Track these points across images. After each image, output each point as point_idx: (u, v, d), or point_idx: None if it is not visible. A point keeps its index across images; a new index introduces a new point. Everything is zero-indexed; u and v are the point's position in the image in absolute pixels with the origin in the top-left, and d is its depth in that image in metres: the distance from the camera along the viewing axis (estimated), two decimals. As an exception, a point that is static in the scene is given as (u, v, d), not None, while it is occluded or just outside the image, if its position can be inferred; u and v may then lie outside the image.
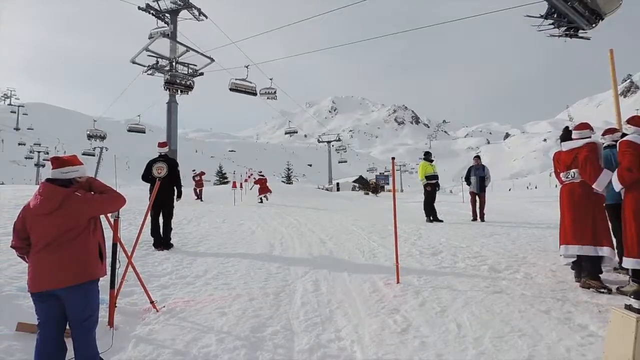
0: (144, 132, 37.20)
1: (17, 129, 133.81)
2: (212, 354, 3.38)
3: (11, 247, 2.94)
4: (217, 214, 13.05)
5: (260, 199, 20.11)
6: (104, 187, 3.08)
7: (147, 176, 7.70)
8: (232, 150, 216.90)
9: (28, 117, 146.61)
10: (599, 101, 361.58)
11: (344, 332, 3.72)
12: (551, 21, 11.94)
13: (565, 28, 12.18)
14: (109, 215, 3.78)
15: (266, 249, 7.49)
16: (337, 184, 71.00)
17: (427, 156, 11.93)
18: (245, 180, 27.15)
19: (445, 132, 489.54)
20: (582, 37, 12.29)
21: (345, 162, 75.05)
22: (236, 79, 25.69)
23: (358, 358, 3.25)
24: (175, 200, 7.83)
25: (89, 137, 54.81)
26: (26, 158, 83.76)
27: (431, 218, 11.31)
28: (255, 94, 26.01)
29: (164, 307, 4.45)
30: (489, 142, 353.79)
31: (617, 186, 4.33)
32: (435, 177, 11.62)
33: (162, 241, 7.47)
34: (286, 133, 41.56)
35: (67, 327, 2.86)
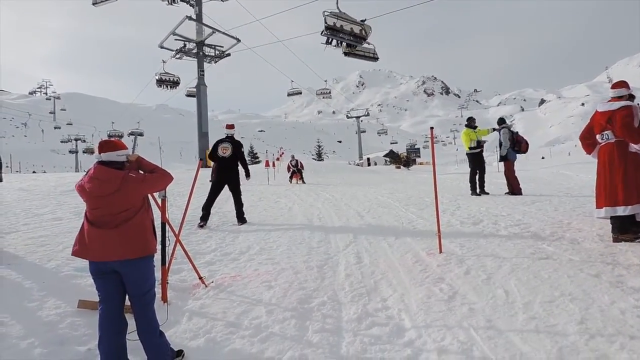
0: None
1: (51, 112, 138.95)
2: (263, 325, 3.49)
3: None
4: (252, 192, 13.23)
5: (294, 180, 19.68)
6: (152, 166, 3.19)
7: (214, 155, 8.11)
8: (261, 130, 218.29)
9: (64, 104, 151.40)
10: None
11: (390, 301, 3.77)
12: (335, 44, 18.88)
13: (346, 46, 19.17)
14: (156, 195, 3.91)
15: (305, 225, 7.58)
16: (368, 159, 70.70)
17: (470, 122, 10.93)
18: (277, 159, 27.32)
19: (476, 101, 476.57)
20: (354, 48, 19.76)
21: (364, 132, 74.11)
22: None
23: (407, 325, 3.29)
24: (242, 179, 8.25)
25: (109, 137, 60.51)
26: (62, 142, 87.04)
27: (478, 191, 10.38)
28: (376, 59, 21.89)
29: (212, 282, 4.60)
30: (523, 110, 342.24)
31: None
32: (479, 145, 10.59)
33: (237, 216, 7.96)
34: (289, 95, 39.52)
35: (127, 303, 3.00)
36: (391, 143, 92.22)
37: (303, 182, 19.35)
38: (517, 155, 10.46)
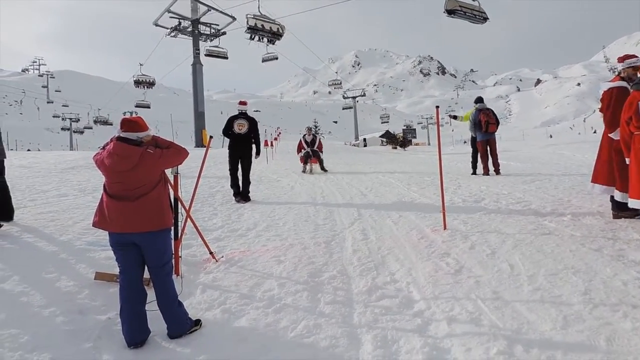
0: (227, 58, 38.86)
1: (44, 86, 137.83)
2: (276, 297, 3.60)
3: None
4: (252, 171, 13.25)
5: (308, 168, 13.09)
6: (167, 142, 3.27)
7: (228, 131, 8.22)
8: (257, 110, 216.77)
9: (58, 85, 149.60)
10: (639, 39, 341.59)
11: (398, 275, 3.88)
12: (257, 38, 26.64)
13: (267, 40, 26.49)
14: (169, 172, 3.98)
15: (309, 203, 7.66)
16: (364, 139, 70.61)
17: (476, 101, 10.42)
18: (275, 139, 27.30)
19: (473, 81, 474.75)
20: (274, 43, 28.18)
21: (350, 108, 73.01)
22: None
23: (415, 297, 3.41)
24: (254, 156, 8.35)
25: (95, 121, 65.43)
26: (54, 117, 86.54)
27: (476, 171, 10.25)
28: (485, 19, 19.12)
29: (223, 257, 4.70)
30: (519, 90, 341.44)
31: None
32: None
33: (242, 193, 8.05)
34: (264, 61, 38.40)
35: (147, 276, 3.11)
36: (382, 123, 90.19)
37: (323, 168, 13.30)
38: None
